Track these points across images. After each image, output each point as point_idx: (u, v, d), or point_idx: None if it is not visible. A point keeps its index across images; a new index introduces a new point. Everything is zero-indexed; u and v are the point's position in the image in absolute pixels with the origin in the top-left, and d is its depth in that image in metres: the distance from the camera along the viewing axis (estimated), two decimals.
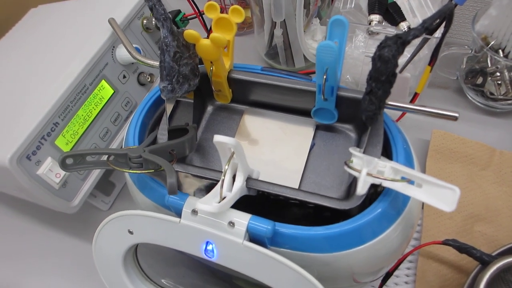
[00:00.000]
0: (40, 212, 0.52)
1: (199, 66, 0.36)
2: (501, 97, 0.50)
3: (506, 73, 0.48)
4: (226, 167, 0.29)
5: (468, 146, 0.49)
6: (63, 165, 0.31)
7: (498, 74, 0.49)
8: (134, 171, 0.31)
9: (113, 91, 0.47)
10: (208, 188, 0.38)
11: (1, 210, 0.55)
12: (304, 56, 0.59)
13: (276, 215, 0.35)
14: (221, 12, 0.34)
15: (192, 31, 0.32)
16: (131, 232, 0.32)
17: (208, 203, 0.27)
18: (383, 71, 0.27)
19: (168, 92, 0.33)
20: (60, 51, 0.46)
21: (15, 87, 0.45)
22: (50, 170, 0.40)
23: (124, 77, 0.48)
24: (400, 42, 0.27)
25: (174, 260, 0.37)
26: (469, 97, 0.54)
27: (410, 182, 0.28)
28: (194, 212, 0.30)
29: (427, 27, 0.28)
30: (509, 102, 0.51)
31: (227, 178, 0.30)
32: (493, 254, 0.37)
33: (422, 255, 0.42)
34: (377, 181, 0.28)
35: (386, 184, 0.28)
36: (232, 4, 0.63)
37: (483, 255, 0.36)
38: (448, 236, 0.41)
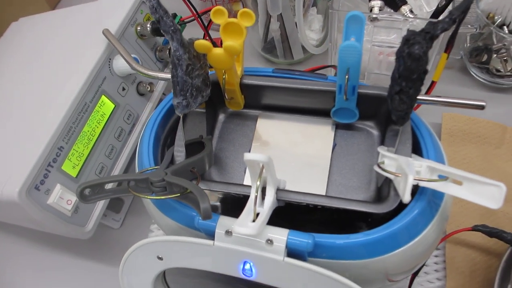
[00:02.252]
0: (52, 239, 0.50)
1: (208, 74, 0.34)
2: (508, 73, 0.50)
3: None
4: (258, 183, 0.28)
5: (480, 125, 0.49)
6: (82, 197, 0.29)
7: (504, 50, 0.48)
8: (159, 197, 0.29)
9: (114, 106, 0.44)
10: (224, 200, 0.37)
11: (12, 239, 0.53)
12: (302, 47, 0.58)
13: (290, 220, 0.34)
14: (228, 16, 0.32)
15: (203, 41, 0.30)
16: (160, 258, 0.31)
17: (244, 225, 0.26)
18: (415, 69, 0.26)
19: (183, 107, 0.32)
20: (53, 68, 0.44)
21: (11, 112, 0.42)
22: (60, 198, 0.38)
23: (124, 89, 0.46)
24: (429, 37, 0.26)
25: (204, 276, 0.36)
26: (474, 75, 0.54)
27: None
28: (228, 233, 0.28)
29: (455, 19, 0.26)
30: None
31: (258, 193, 0.29)
32: None
33: (449, 242, 0.42)
34: (415, 182, 0.27)
35: (423, 184, 0.27)
36: (224, 1, 0.61)
37: None
38: (473, 220, 0.41)
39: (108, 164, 0.44)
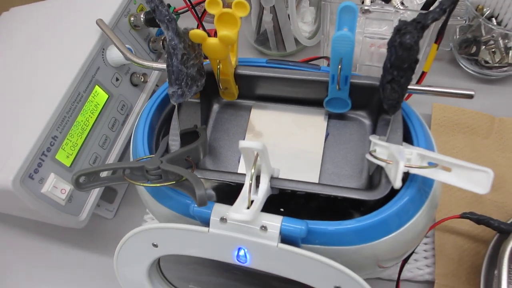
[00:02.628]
0: (46, 228, 0.50)
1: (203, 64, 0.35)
2: (496, 64, 0.51)
3: (501, 41, 0.49)
4: (252, 170, 0.28)
5: (468, 116, 0.49)
6: (77, 184, 0.30)
7: (492, 42, 0.49)
8: (154, 185, 0.30)
9: (107, 96, 0.44)
10: (218, 189, 0.37)
11: (4, 230, 0.53)
12: (294, 39, 0.58)
13: (285, 207, 0.35)
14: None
15: (198, 31, 0.30)
16: (155, 245, 0.31)
17: (239, 212, 0.26)
18: (406, 59, 0.27)
19: (179, 97, 0.32)
20: (46, 59, 0.44)
21: (4, 102, 0.42)
22: (54, 187, 0.38)
23: (117, 79, 0.46)
24: (420, 26, 0.26)
25: (198, 263, 0.37)
26: (464, 67, 0.55)
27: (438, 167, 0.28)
28: (223, 219, 0.29)
29: (445, 9, 0.27)
30: (504, 69, 0.51)
31: (253, 181, 0.30)
32: (509, 222, 0.38)
33: (438, 229, 0.43)
34: (406, 169, 0.28)
35: (413, 171, 0.28)
36: None
37: (501, 225, 0.37)
38: (461, 208, 0.42)
39: (101, 154, 0.44)
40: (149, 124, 0.36)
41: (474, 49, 0.52)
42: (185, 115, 0.37)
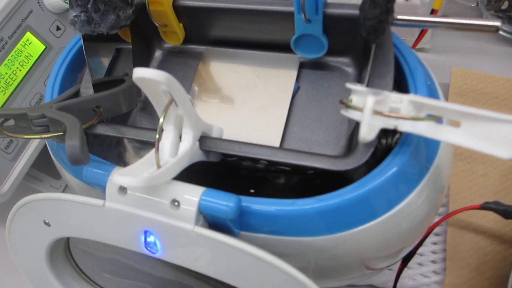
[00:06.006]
0: None
1: None
2: None
3: None
4: (161, 119, 0.19)
5: (498, 84, 0.39)
6: None
7: None
8: (34, 136, 0.21)
9: (44, 47, 0.37)
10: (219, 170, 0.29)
11: None
12: None
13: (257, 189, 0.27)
14: None
15: None
16: (47, 224, 0.23)
17: (126, 174, 0.18)
18: None
19: (83, 23, 0.23)
20: None
21: None
22: None
23: (58, 28, 0.38)
24: None
25: (117, 252, 0.28)
26: None
27: (440, 121, 0.19)
28: (123, 190, 0.20)
29: None
30: None
31: (170, 137, 0.21)
32: None
33: (452, 225, 0.33)
34: (391, 124, 0.18)
35: (404, 126, 0.18)
36: None
37: None
38: (484, 198, 0.32)
39: None
40: (67, 65, 0.28)
41: (506, 4, 0.42)
42: (121, 65, 0.29)
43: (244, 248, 0.18)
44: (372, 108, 0.16)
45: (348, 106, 0.20)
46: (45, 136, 0.21)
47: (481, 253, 0.32)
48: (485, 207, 0.29)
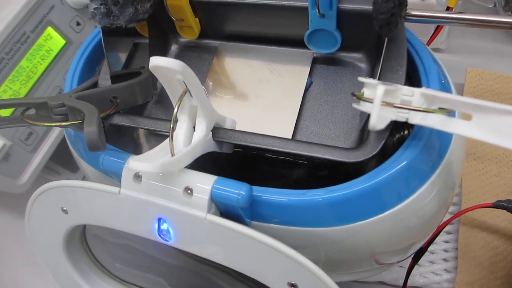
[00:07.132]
0: None
1: None
2: None
3: None
4: (176, 109, 0.20)
5: None
6: None
7: None
8: (54, 124, 0.22)
9: (64, 42, 0.38)
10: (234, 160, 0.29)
11: None
12: None
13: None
14: None
15: None
16: (65, 211, 0.24)
17: (143, 160, 0.18)
18: None
19: (102, 16, 0.24)
20: None
21: None
22: None
23: (78, 24, 0.39)
24: None
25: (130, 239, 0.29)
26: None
27: (451, 114, 0.19)
28: (138, 177, 0.21)
29: None
30: None
31: (184, 127, 0.21)
32: None
33: (464, 224, 0.33)
34: (402, 116, 0.19)
35: (416, 119, 0.19)
36: None
37: None
38: (497, 198, 0.31)
39: None
40: (86, 58, 0.28)
41: None
42: (138, 59, 0.30)
43: (255, 236, 0.19)
44: (382, 97, 0.16)
45: (359, 99, 0.20)
46: (65, 124, 0.22)
47: (493, 252, 0.31)
48: (497, 205, 0.28)
